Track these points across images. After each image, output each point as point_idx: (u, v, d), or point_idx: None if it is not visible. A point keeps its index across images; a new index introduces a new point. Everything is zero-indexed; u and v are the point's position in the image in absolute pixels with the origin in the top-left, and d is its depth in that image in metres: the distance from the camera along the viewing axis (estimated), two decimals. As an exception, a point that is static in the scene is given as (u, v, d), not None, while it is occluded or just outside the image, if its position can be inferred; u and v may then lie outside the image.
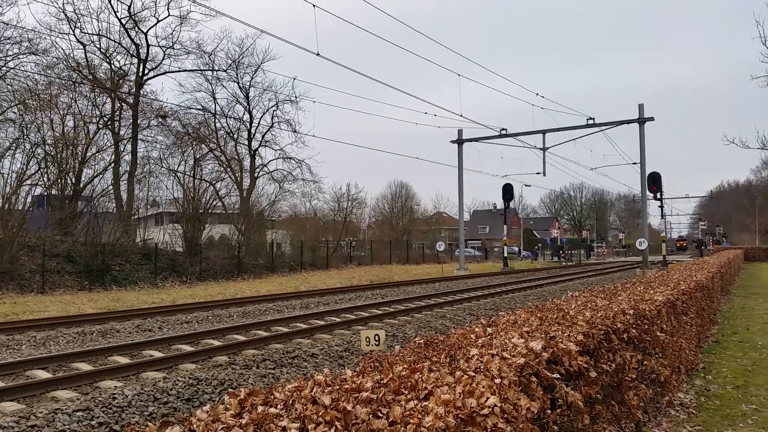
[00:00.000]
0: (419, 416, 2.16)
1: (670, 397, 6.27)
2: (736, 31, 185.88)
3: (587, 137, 38.51)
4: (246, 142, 43.65)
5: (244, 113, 43.47)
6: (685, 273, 11.13)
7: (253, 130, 43.59)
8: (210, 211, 34.97)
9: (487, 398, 2.45)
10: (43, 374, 8.76)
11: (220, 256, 32.88)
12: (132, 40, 35.47)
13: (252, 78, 42.38)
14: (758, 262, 47.39)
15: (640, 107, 34.90)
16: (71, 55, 34.16)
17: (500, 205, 43.36)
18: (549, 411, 3.12)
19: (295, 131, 43.25)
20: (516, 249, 71.39)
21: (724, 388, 7.25)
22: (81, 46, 34.38)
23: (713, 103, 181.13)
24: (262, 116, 43.77)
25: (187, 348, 10.80)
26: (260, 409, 2.06)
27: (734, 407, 6.41)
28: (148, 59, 36.37)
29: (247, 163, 43.66)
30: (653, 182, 35.65)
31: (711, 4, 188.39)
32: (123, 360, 9.79)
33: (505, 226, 43.02)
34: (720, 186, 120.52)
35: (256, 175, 43.67)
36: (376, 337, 8.48)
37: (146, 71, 36.66)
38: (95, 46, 34.96)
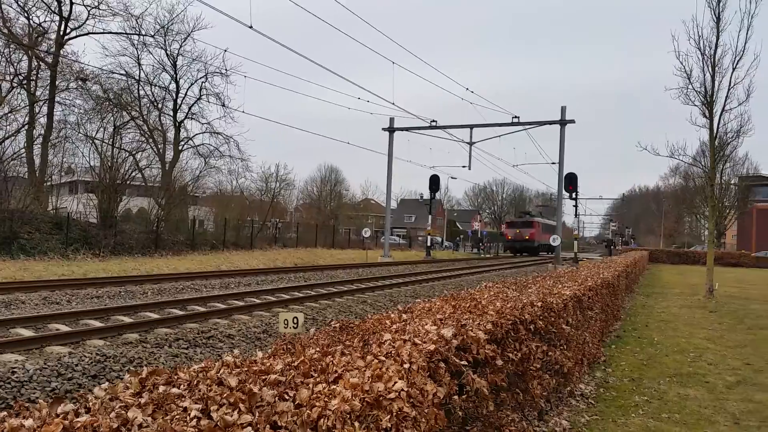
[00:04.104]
0: (326, 399, 2.18)
1: (572, 388, 6.59)
2: (655, 43, 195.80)
3: (512, 135, 39.58)
4: (171, 113, 41.93)
5: (170, 82, 41.58)
6: (593, 270, 11.70)
7: (179, 101, 41.88)
8: (128, 182, 33.47)
9: (395, 383, 2.50)
10: (-67, 345, 8.20)
11: (137, 230, 31.66)
12: (54, -6, 33.30)
13: (181, 46, 40.53)
14: (661, 263, 50.40)
15: (563, 109, 36.17)
16: (-17, 6, 31.74)
17: (427, 195, 43.89)
18: (456, 397, 3.22)
19: (224, 105, 41.79)
20: (439, 239, 72.80)
21: (621, 380, 7.69)
22: (-5, -3, 31.97)
23: (633, 109, 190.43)
24: (189, 87, 42.05)
25: (96, 323, 10.39)
26: (162, 389, 2.02)
27: (629, 398, 6.83)
28: (71, 18, 34.19)
29: (171, 134, 41.99)
30: (570, 182, 37.09)
31: (633, 15, 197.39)
32: (26, 332, 9.31)
33: (429, 216, 43.64)
34: (632, 189, 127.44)
35: (180, 148, 42.10)
36: (295, 320, 8.43)
37: (68, 30, 34.49)
38: (12, -2, 32.59)
